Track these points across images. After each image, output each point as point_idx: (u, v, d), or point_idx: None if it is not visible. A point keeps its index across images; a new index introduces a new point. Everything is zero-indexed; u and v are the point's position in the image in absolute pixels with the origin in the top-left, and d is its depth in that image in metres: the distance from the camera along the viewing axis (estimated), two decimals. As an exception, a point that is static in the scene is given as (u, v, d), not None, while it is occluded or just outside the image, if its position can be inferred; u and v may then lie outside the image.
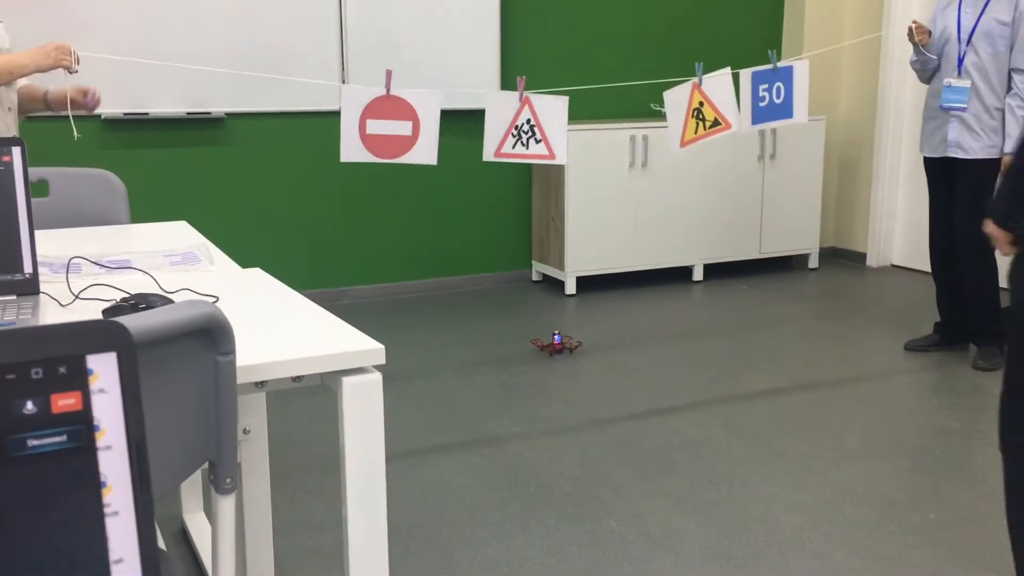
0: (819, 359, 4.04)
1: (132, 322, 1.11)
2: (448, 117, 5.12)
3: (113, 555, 0.50)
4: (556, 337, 4.10)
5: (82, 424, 0.50)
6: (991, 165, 3.75)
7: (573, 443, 3.15)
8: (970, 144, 3.76)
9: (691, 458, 3.02)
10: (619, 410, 3.46)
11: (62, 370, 0.49)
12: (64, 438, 0.50)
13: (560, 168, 5.11)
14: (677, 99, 3.31)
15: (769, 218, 5.67)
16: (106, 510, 0.50)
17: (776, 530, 2.53)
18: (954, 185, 3.88)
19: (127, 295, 1.62)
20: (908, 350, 4.15)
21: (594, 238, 5.21)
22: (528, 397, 3.61)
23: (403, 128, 3.10)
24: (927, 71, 3.89)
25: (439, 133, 3.13)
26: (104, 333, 0.51)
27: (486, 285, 5.48)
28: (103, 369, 0.51)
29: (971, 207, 3.80)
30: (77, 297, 1.70)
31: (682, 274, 5.64)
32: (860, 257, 6.03)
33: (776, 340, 4.33)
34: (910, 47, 3.92)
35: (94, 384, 0.50)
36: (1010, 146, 3.68)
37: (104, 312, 1.51)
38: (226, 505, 1.33)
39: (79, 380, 0.50)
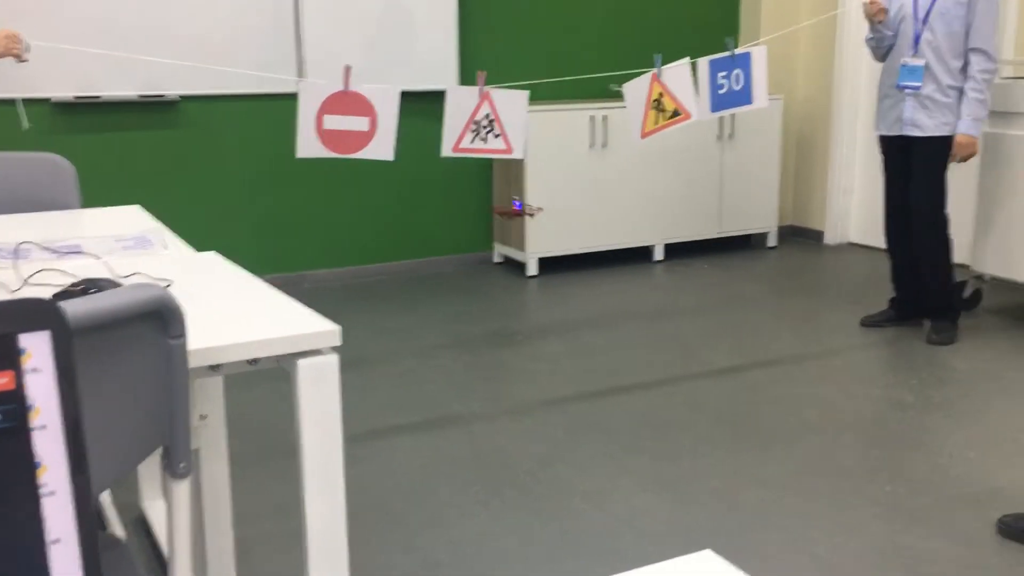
0: (778, 336, 4.09)
1: (79, 306, 1.09)
2: (408, 99, 5.06)
3: (50, 535, 0.49)
4: (517, 204, 4.05)
5: (15, 403, 0.49)
6: (945, 142, 3.80)
7: (536, 422, 3.16)
8: (925, 122, 3.80)
9: (653, 435, 3.04)
10: (582, 389, 3.47)
11: (-7, 349, 0.48)
12: (-3, 418, 0.48)
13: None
14: (636, 91, 3.31)
15: (728, 197, 5.71)
16: (42, 490, 0.49)
17: (737, 504, 2.56)
18: (909, 162, 3.93)
19: (77, 280, 1.60)
20: (864, 326, 4.21)
21: (555, 219, 5.21)
22: (490, 378, 3.61)
23: (360, 124, 3.07)
24: (882, 49, 3.92)
25: (400, 113, 3.11)
26: (36, 312, 0.49)
27: (448, 267, 5.47)
28: (36, 348, 0.49)
29: (926, 184, 3.85)
30: (26, 283, 1.67)
31: (643, 254, 5.66)
32: (818, 235, 6.10)
33: (736, 318, 4.37)
34: (865, 26, 3.95)
35: (27, 363, 0.49)
36: (963, 126, 3.73)
37: (53, 297, 1.48)
38: (181, 490, 1.32)
39: (11, 359, 0.49)
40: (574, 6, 5.53)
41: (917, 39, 3.77)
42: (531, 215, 3.87)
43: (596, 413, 3.24)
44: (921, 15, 3.75)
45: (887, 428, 3.08)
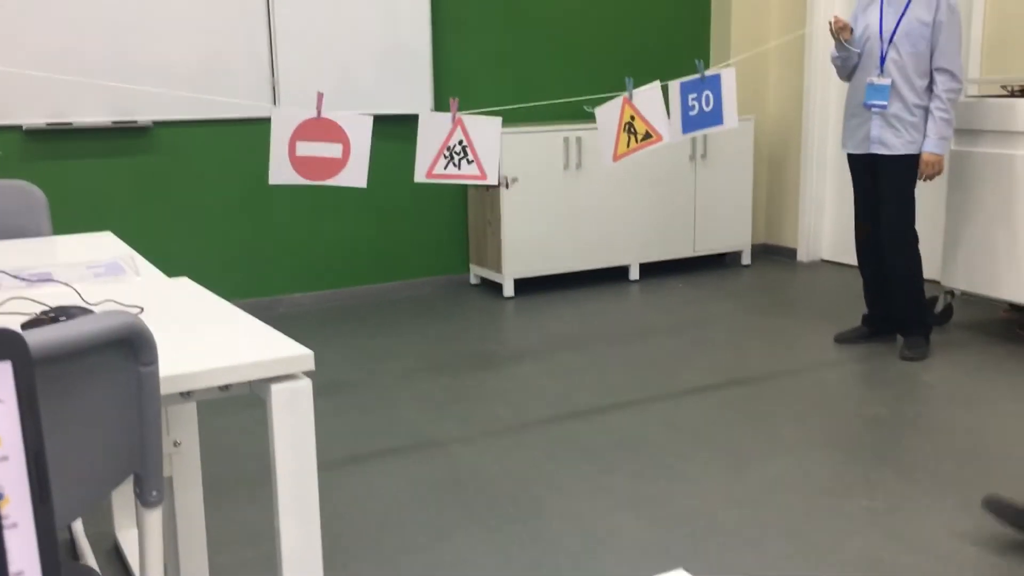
0: (753, 353, 4.11)
1: (48, 334, 1.09)
2: (382, 123, 5.10)
3: (12, 567, 0.49)
4: None
5: (-24, 435, 0.49)
6: (912, 160, 3.86)
7: (513, 444, 3.16)
8: (892, 141, 3.86)
9: (630, 455, 3.04)
10: (558, 410, 3.48)
11: (-46, 381, 0.48)
12: (-42, 450, 0.48)
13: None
14: (608, 114, 3.34)
15: (702, 217, 5.76)
16: (4, 522, 0.49)
17: (714, 523, 2.57)
18: (877, 180, 3.98)
19: (47, 308, 1.59)
20: (838, 342, 4.24)
21: (531, 240, 5.23)
22: (467, 400, 3.60)
23: (334, 151, 3.07)
24: (847, 67, 3.98)
25: (374, 136, 3.12)
26: (-2, 341, 0.49)
27: (424, 290, 5.46)
28: (-2, 378, 0.49)
29: (895, 202, 3.90)
30: (-5, 311, 1.65)
31: (619, 274, 5.69)
32: (791, 253, 6.15)
33: (711, 336, 4.40)
34: (832, 45, 4.01)
35: (-11, 394, 0.49)
36: (930, 145, 3.79)
37: (23, 326, 1.47)
38: (153, 518, 1.31)
39: (-27, 390, 0.49)
40: (546, 31, 5.57)
41: (883, 59, 3.83)
42: (507, 186, 3.84)
43: (573, 434, 3.24)
44: (887, 35, 3.82)
45: (862, 444, 3.10)
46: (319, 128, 3.05)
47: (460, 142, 3.17)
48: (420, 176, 3.17)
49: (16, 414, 0.49)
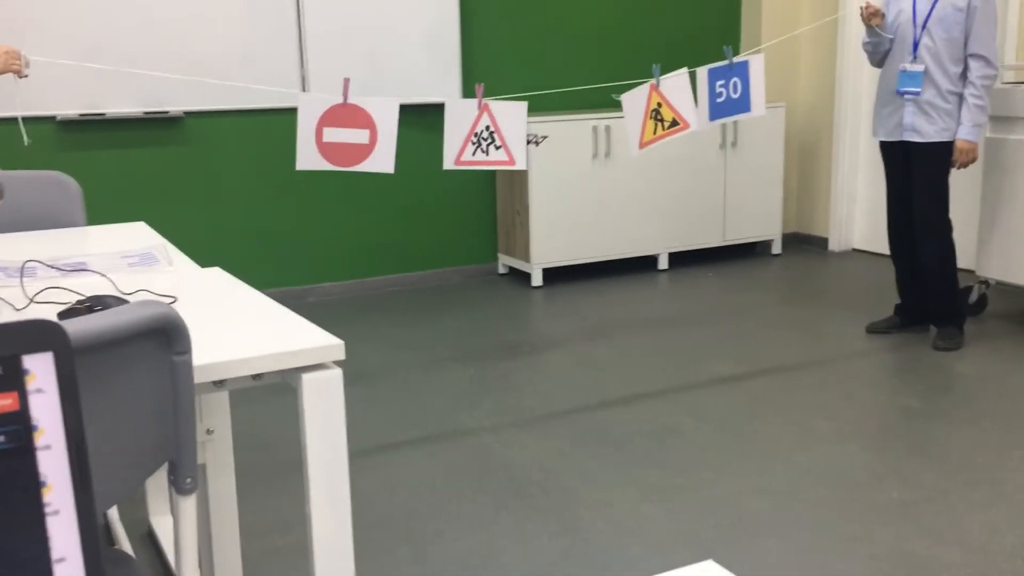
0: (783, 343, 4.09)
1: (84, 324, 1.10)
2: (410, 112, 5.11)
3: (55, 554, 0.50)
4: None
5: (19, 425, 0.50)
6: (946, 148, 3.80)
7: (542, 434, 3.16)
8: (925, 128, 3.81)
9: (659, 445, 3.04)
10: (587, 400, 3.48)
11: (-2, 371, 0.49)
12: (1, 439, 0.49)
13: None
14: (635, 101, 3.33)
15: (732, 206, 5.72)
16: (46, 509, 0.50)
17: (744, 514, 2.56)
18: (910, 168, 3.93)
19: (83, 297, 1.61)
20: (870, 332, 4.20)
21: (559, 230, 5.23)
22: (496, 390, 3.61)
23: (360, 136, 3.08)
24: (879, 54, 3.93)
25: (402, 127, 3.13)
26: (40, 333, 0.50)
27: (452, 279, 5.48)
28: (40, 369, 0.50)
29: (928, 190, 3.85)
30: (32, 301, 1.68)
31: (647, 263, 5.67)
32: (822, 242, 6.10)
33: (741, 326, 4.37)
34: (864, 31, 3.95)
35: (31, 384, 0.50)
36: (963, 132, 3.74)
37: (59, 315, 1.49)
38: (188, 505, 1.32)
39: (15, 380, 0.50)
40: (575, 18, 5.55)
41: (916, 45, 3.78)
42: (537, 143, 3.81)
43: (602, 423, 3.24)
44: (920, 21, 3.76)
45: (894, 435, 3.07)
46: (346, 114, 3.06)
47: (487, 128, 3.17)
48: (449, 163, 3.17)
49: (58, 404, 0.50)
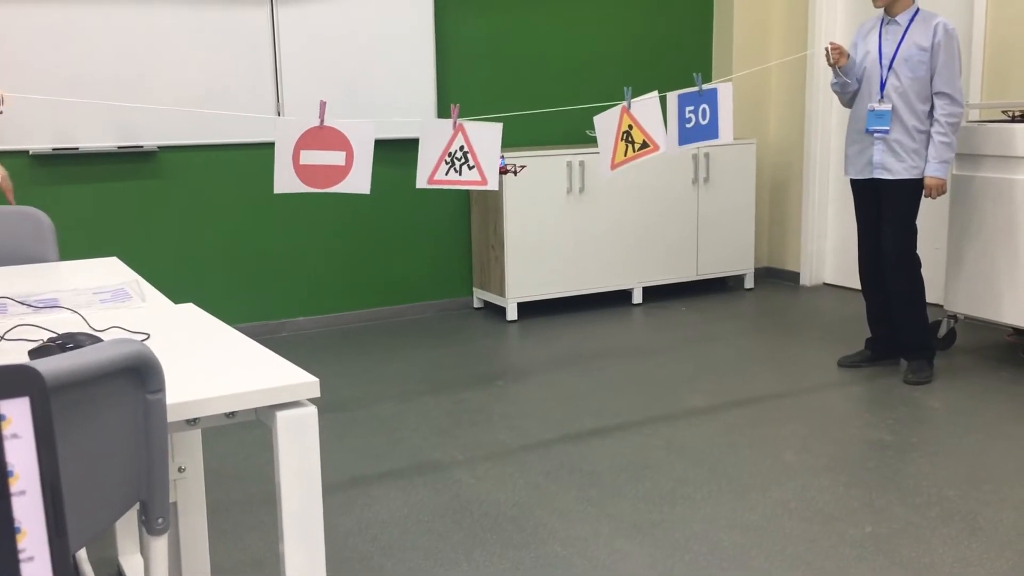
0: (756, 377, 4.11)
1: (57, 363, 1.10)
2: (386, 147, 5.13)
3: (28, 601, 0.50)
4: (501, 161, 4.02)
5: (-6, 470, 0.49)
6: (914, 185, 3.87)
7: (516, 468, 3.15)
8: (894, 166, 3.88)
9: (633, 479, 3.04)
10: (561, 433, 3.47)
11: (-27, 416, 0.49)
12: (-24, 485, 0.49)
13: (498, 194, 5.14)
14: (607, 123, 3.37)
15: (705, 240, 5.77)
16: (21, 556, 0.50)
17: (717, 548, 2.56)
18: (880, 205, 3.99)
19: (54, 335, 1.60)
20: (841, 366, 4.24)
21: (534, 264, 5.25)
22: (471, 423, 3.60)
23: (337, 158, 3.10)
24: (847, 94, 4.01)
25: (376, 162, 3.14)
26: (16, 378, 0.50)
27: (428, 313, 5.47)
28: (16, 414, 0.50)
29: (897, 226, 3.92)
30: (2, 338, 1.66)
31: (622, 297, 5.70)
32: (794, 276, 6.16)
33: (714, 359, 4.40)
34: (831, 72, 4.03)
35: (7, 429, 0.50)
36: (931, 169, 3.81)
37: (30, 353, 1.48)
38: (159, 546, 1.31)
39: (-9, 426, 0.50)
40: (550, 52, 5.61)
41: (883, 85, 3.86)
42: (515, 172, 3.83)
43: (577, 457, 3.24)
44: (886, 61, 3.84)
45: (866, 468, 3.09)
46: (322, 136, 3.08)
47: (461, 148, 3.20)
48: (422, 182, 3.19)
49: (33, 449, 0.50)
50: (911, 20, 3.82)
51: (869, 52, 3.91)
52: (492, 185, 3.23)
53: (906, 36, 3.80)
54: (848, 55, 3.89)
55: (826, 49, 3.87)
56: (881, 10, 3.91)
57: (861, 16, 5.63)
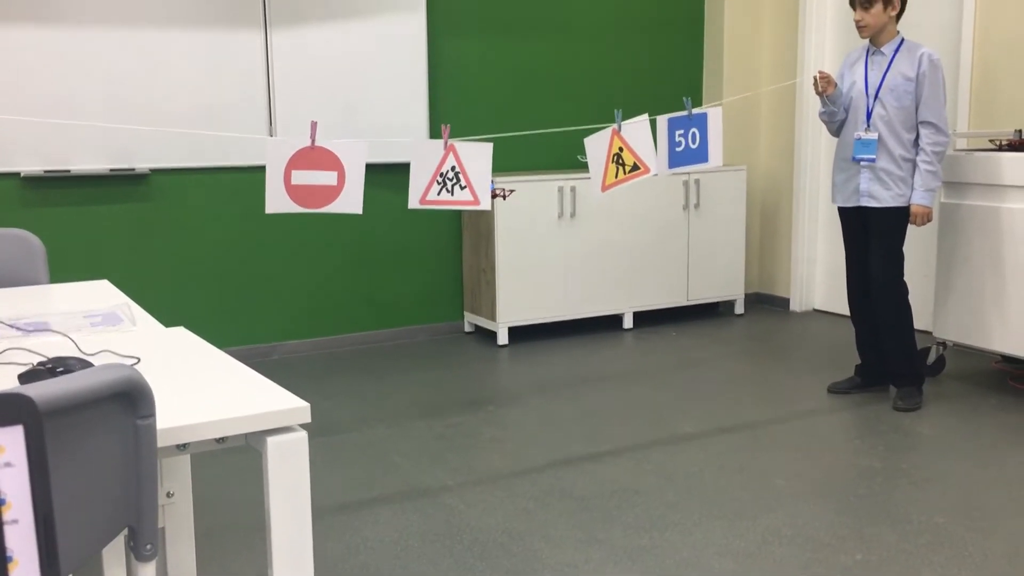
0: (747, 403, 4.12)
1: (47, 388, 1.10)
2: (378, 170, 5.15)
3: (19, 631, 0.50)
4: (491, 185, 4.03)
5: (-13, 499, 0.50)
6: (901, 212, 3.90)
7: (506, 494, 3.15)
8: (881, 194, 3.91)
9: (624, 505, 3.03)
10: (552, 459, 3.47)
11: (-33, 445, 0.49)
12: (-32, 513, 0.49)
13: (490, 219, 5.16)
14: (598, 145, 3.40)
15: (696, 266, 5.79)
16: (12, 585, 0.50)
17: (708, 575, 2.56)
18: (868, 232, 4.02)
19: (44, 359, 1.59)
20: (831, 392, 4.25)
21: (525, 289, 5.26)
22: (461, 448, 3.60)
23: (328, 178, 3.11)
24: (835, 123, 4.04)
25: (368, 186, 3.16)
26: (10, 406, 0.51)
27: (418, 337, 5.47)
28: (9, 442, 0.51)
29: (884, 254, 3.94)
30: (-8, 362, 1.66)
31: (613, 322, 5.71)
32: (784, 302, 6.18)
33: (705, 385, 4.40)
34: (819, 102, 4.07)
35: (0, 458, 0.50)
36: (916, 197, 3.84)
37: (20, 377, 1.48)
38: (147, 572, 1.30)
39: (-16, 454, 0.50)
40: (543, 72, 5.65)
41: (869, 114, 3.90)
42: (504, 196, 3.85)
43: (567, 483, 3.23)
44: (872, 91, 3.89)
45: (855, 495, 3.10)
46: (314, 157, 3.09)
47: (453, 168, 3.21)
48: (414, 203, 3.20)
49: (27, 478, 0.50)
50: (896, 50, 3.86)
51: (855, 82, 3.95)
52: (484, 205, 3.25)
53: (891, 66, 3.85)
54: (836, 84, 3.93)
55: (814, 78, 3.91)
56: (867, 41, 3.96)
57: (848, 46, 5.69)
